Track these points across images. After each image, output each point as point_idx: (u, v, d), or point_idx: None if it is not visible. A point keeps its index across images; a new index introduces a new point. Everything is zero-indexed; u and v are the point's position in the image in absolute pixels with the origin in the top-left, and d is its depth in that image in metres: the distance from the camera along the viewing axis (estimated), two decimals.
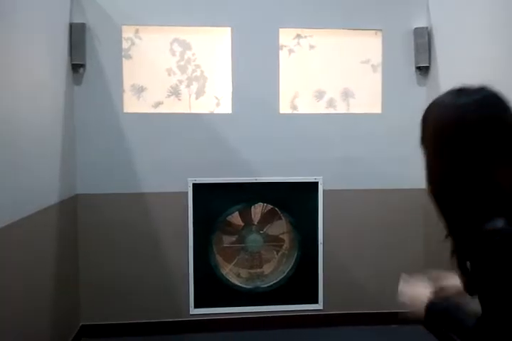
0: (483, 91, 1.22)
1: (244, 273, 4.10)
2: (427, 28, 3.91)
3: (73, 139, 3.69)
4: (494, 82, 3.14)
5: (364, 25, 3.99)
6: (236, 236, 4.06)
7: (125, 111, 3.80)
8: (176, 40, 3.90)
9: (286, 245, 4.14)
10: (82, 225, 3.74)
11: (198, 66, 3.93)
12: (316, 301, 3.98)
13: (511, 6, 2.85)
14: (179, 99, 3.93)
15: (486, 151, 1.17)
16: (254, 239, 4.02)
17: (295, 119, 3.96)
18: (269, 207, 4.03)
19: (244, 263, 4.09)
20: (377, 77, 4.03)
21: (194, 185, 3.83)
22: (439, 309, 1.34)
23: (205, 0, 3.83)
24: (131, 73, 3.84)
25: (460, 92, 1.23)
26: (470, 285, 1.25)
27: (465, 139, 1.17)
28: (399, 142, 3.99)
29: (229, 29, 3.85)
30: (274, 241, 4.12)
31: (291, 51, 4.00)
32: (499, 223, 1.14)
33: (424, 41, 3.89)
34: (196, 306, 3.87)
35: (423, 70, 3.97)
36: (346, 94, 4.07)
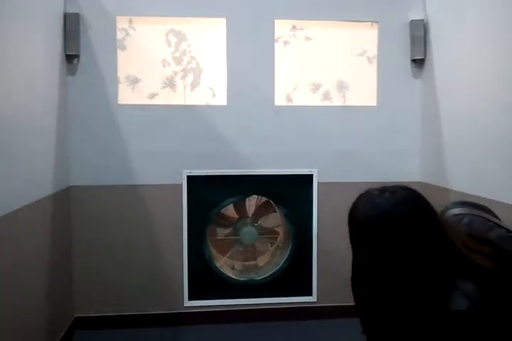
0: (402, 192, 1.26)
1: (238, 265, 4.11)
2: (423, 20, 3.89)
3: (67, 130, 3.67)
4: (490, 75, 3.13)
5: (360, 17, 3.96)
6: (230, 228, 4.06)
7: (119, 102, 3.78)
8: (171, 30, 3.87)
9: (280, 237, 4.15)
10: (75, 217, 3.72)
11: (193, 57, 3.91)
12: (310, 293, 3.99)
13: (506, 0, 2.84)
14: (174, 91, 3.90)
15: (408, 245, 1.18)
16: (248, 231, 4.02)
17: (290, 112, 3.95)
18: (264, 199, 4.03)
19: (239, 256, 4.09)
20: (373, 69, 4.02)
21: (188, 177, 3.81)
22: None
23: None
24: (126, 64, 3.82)
25: (381, 192, 1.26)
26: None
27: (387, 233, 1.19)
28: (394, 135, 3.98)
29: (224, 20, 3.82)
30: (269, 234, 4.12)
31: (286, 43, 3.97)
32: (463, 301, 1.15)
33: (420, 34, 3.87)
34: (190, 298, 3.87)
35: (418, 63, 3.95)
36: (342, 87, 4.05)
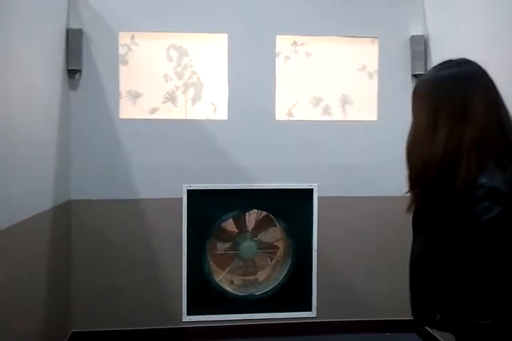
0: (467, 63, 1.59)
1: (237, 280, 4.09)
2: (423, 35, 3.92)
3: (68, 144, 3.68)
4: None
5: (361, 33, 4.00)
6: (230, 242, 4.05)
7: (121, 117, 3.79)
8: (172, 46, 3.90)
9: (280, 252, 4.13)
10: (75, 231, 3.72)
11: (194, 72, 3.93)
12: (309, 309, 3.96)
13: (506, 15, 2.86)
14: (175, 105, 3.92)
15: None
16: (248, 245, 4.01)
17: (291, 126, 3.96)
18: (264, 213, 4.02)
19: (238, 270, 4.07)
20: (374, 84, 4.04)
21: (189, 191, 3.81)
22: None
23: (201, 6, 3.83)
24: (128, 79, 3.84)
25: (443, 64, 1.55)
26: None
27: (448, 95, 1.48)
28: (394, 149, 3.96)
29: (226, 35, 3.85)
30: (268, 248, 4.10)
31: (287, 58, 4.00)
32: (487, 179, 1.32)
33: (420, 49, 3.90)
34: (189, 313, 3.85)
35: (419, 78, 3.97)
36: (342, 102, 4.07)
